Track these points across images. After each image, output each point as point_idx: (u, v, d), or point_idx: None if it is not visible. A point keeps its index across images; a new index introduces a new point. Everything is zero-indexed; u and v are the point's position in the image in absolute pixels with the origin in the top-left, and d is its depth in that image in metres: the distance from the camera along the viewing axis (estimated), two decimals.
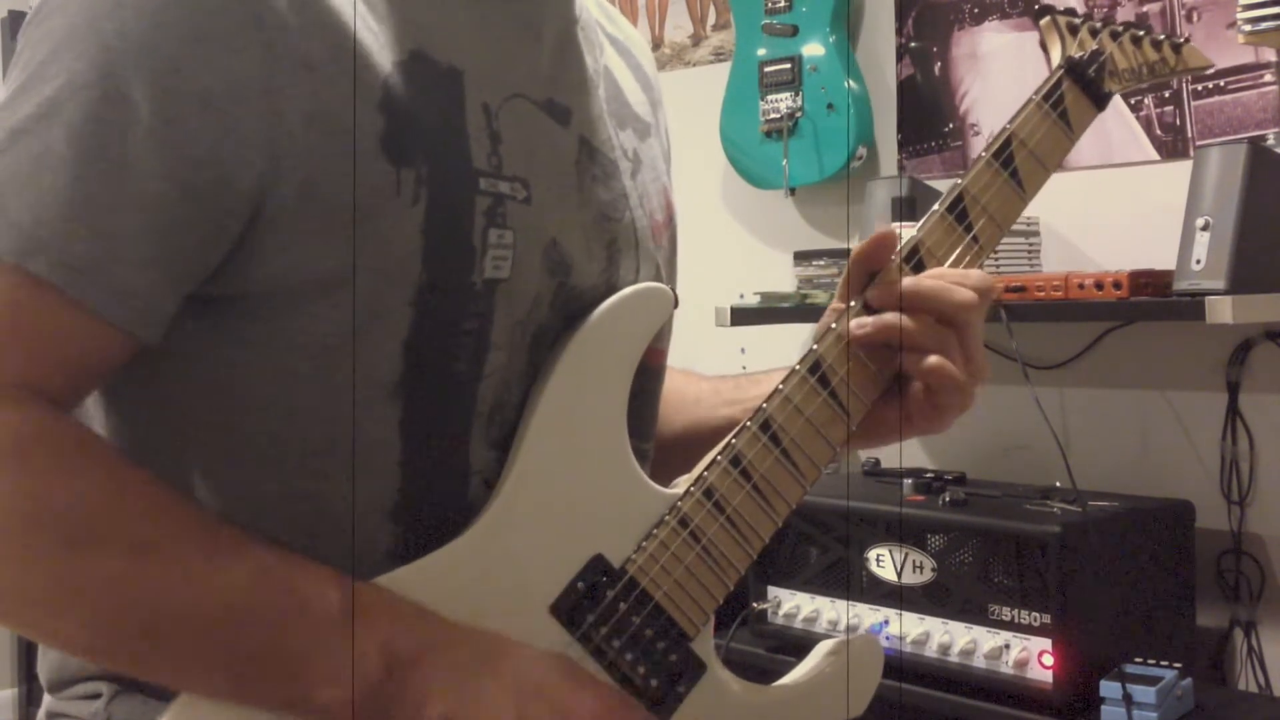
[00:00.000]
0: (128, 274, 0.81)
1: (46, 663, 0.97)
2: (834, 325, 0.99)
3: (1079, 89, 1.08)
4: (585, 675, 0.89)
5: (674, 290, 1.14)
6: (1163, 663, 1.89)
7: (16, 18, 3.08)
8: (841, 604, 2.13)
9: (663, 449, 1.07)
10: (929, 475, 2.25)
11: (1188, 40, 1.17)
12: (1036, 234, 2.29)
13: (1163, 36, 1.14)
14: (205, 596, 0.81)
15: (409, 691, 0.83)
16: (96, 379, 0.86)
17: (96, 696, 0.93)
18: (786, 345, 2.65)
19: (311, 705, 0.82)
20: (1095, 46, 1.10)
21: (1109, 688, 1.85)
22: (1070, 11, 1.13)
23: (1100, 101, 1.09)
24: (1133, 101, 2.30)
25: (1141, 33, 1.13)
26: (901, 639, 2.04)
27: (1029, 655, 1.90)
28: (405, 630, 0.84)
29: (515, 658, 0.87)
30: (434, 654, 0.84)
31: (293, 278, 0.85)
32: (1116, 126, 2.31)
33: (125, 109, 0.80)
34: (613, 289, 0.98)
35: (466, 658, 0.85)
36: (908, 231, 1.04)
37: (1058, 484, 2.09)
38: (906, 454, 2.55)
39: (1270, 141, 2.12)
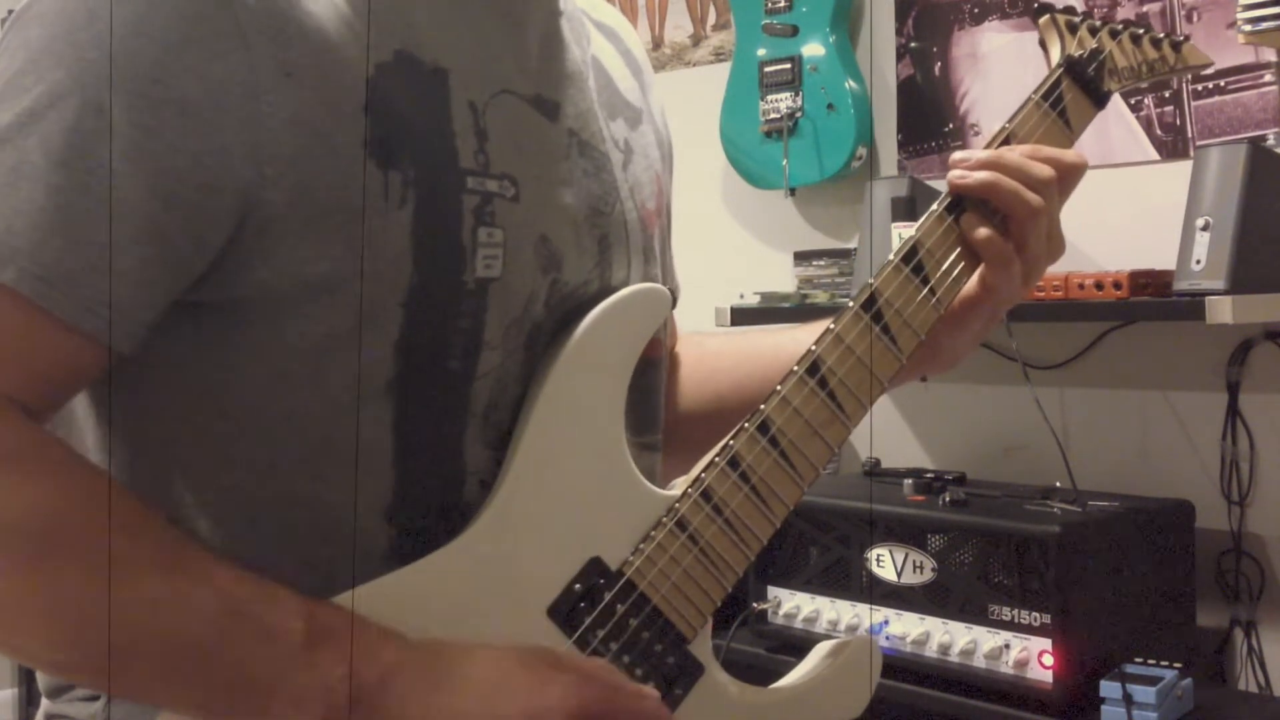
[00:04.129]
0: (103, 285, 0.80)
1: None
2: (832, 325, 0.99)
3: (1078, 88, 1.08)
4: (555, 664, 0.87)
5: (671, 277, 1.14)
6: (1163, 663, 1.89)
7: None
8: (841, 604, 2.13)
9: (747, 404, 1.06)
10: (929, 475, 2.25)
11: (1187, 39, 1.16)
12: None
13: (1162, 35, 1.14)
14: (167, 623, 0.80)
15: (381, 718, 0.82)
16: (71, 389, 0.86)
17: (95, 699, 0.92)
18: None
19: None
20: (1094, 45, 1.10)
21: (1109, 688, 1.85)
22: (1069, 10, 1.13)
23: (1100, 100, 1.09)
24: (1133, 101, 2.30)
25: (1141, 31, 1.13)
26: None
27: (1029, 655, 1.90)
28: (371, 656, 0.83)
29: (482, 664, 0.85)
30: (401, 677, 0.83)
31: (284, 282, 0.84)
32: (1116, 126, 2.31)
33: (103, 119, 0.79)
34: (605, 284, 0.97)
35: (433, 675, 0.84)
36: (906, 231, 1.04)
37: (1058, 484, 2.09)
38: (906, 454, 2.55)
39: (1270, 141, 2.12)
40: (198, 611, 0.81)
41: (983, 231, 1.02)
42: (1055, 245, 1.05)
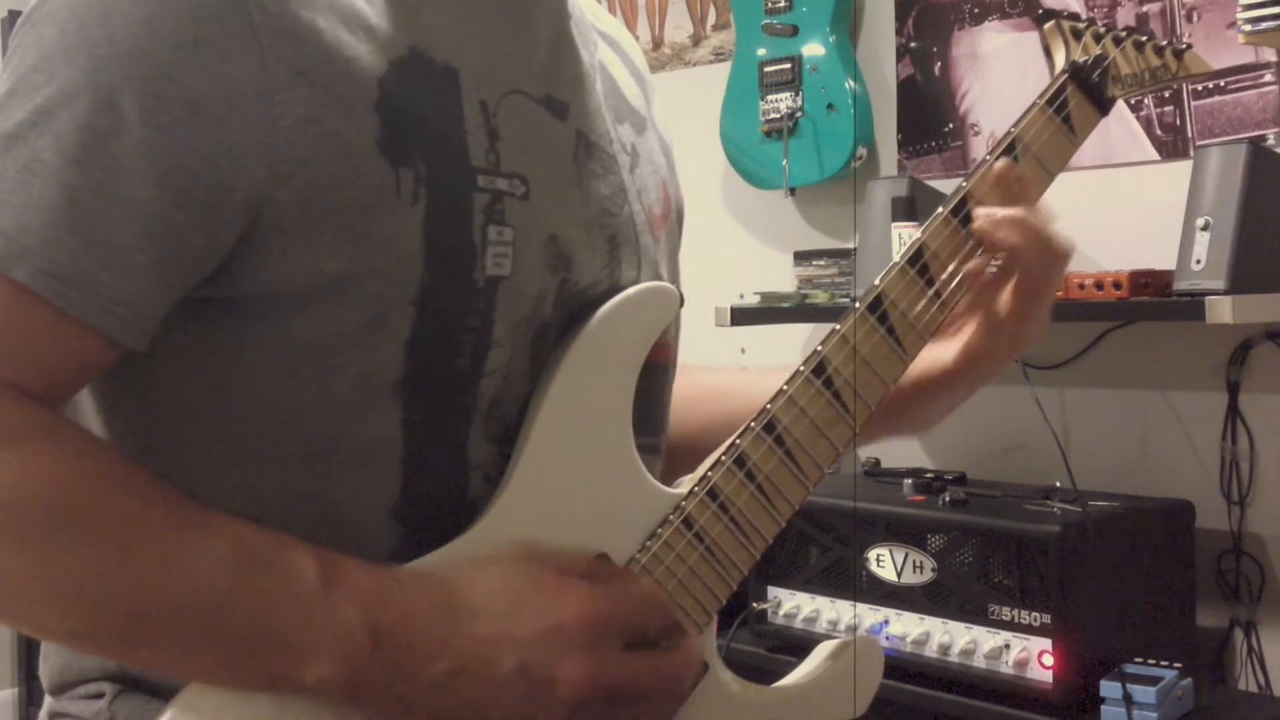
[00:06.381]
0: (114, 282, 0.80)
1: (48, 666, 0.96)
2: (838, 327, 0.99)
3: (1082, 93, 1.09)
4: (564, 572, 0.88)
5: (676, 284, 1.14)
6: (1163, 663, 1.90)
7: (17, 17, 3.08)
8: (841, 604, 2.13)
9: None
10: (929, 475, 2.25)
11: (1190, 46, 1.17)
12: None
13: (1165, 43, 1.15)
14: (184, 578, 0.81)
15: (404, 658, 0.83)
16: (79, 384, 0.86)
17: (99, 696, 0.92)
18: (786, 345, 2.65)
19: (303, 684, 0.82)
20: (1099, 52, 1.10)
21: (1109, 688, 1.85)
22: (1073, 16, 1.13)
23: (1103, 106, 1.10)
24: (1133, 102, 2.30)
25: (1144, 38, 1.14)
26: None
27: (1029, 655, 1.90)
28: (384, 597, 0.83)
29: (492, 586, 0.86)
30: (418, 617, 0.84)
31: (294, 280, 0.84)
32: (1117, 127, 2.32)
33: (115, 117, 0.80)
34: (615, 284, 0.98)
35: (449, 609, 0.84)
36: (910, 233, 1.04)
37: (1058, 484, 2.09)
38: (906, 454, 2.55)
39: (1270, 141, 2.12)
40: (212, 565, 0.82)
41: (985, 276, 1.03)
42: (1043, 324, 1.08)
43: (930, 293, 1.02)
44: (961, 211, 1.04)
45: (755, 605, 2.21)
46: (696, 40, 3.02)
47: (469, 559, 0.87)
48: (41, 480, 0.80)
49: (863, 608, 2.10)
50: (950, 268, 1.02)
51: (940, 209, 1.04)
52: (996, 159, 1.05)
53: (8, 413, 0.80)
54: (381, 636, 0.82)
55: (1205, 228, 1.96)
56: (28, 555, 0.80)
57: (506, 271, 0.90)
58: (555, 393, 0.92)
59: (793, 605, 2.18)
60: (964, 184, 1.05)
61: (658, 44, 3.07)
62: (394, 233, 0.85)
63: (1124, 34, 1.12)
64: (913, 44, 2.61)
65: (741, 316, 2.53)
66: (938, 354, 1.07)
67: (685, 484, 0.95)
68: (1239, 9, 2.03)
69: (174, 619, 0.81)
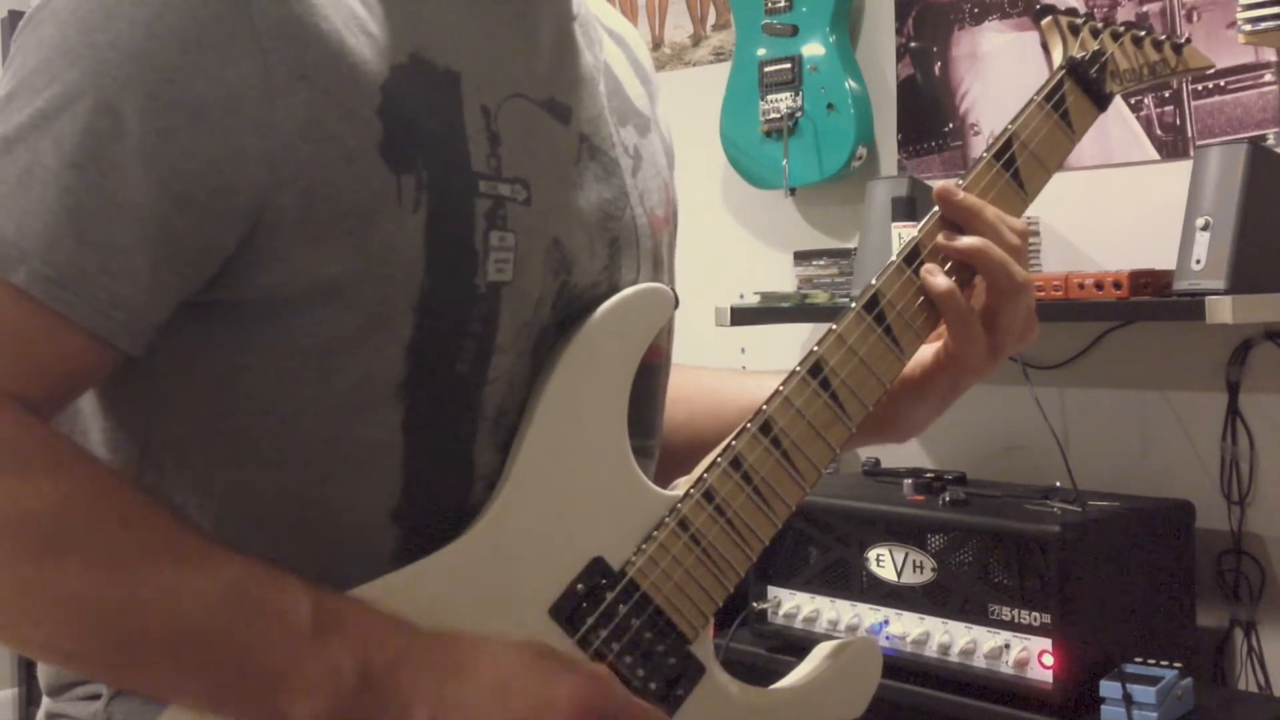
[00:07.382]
0: (113, 285, 0.80)
1: (45, 667, 0.96)
2: (834, 327, 0.99)
3: (1080, 89, 1.08)
4: (563, 661, 0.88)
5: (673, 286, 1.14)
6: (1163, 663, 1.89)
7: (17, 18, 3.09)
8: (841, 604, 2.13)
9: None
10: (929, 475, 2.25)
11: (1188, 41, 1.16)
12: (1037, 234, 2.30)
13: (1164, 37, 1.14)
14: (177, 610, 0.81)
15: (388, 704, 0.82)
16: (78, 389, 0.86)
17: (96, 698, 0.92)
18: (786, 345, 2.65)
19: (290, 718, 0.82)
20: (1097, 47, 1.10)
21: (1109, 688, 1.85)
22: (1071, 11, 1.13)
23: (1102, 102, 1.09)
24: (1133, 101, 2.30)
25: (1143, 33, 1.13)
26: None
27: (1029, 655, 1.90)
28: (380, 642, 0.83)
29: (492, 656, 0.86)
30: (410, 663, 0.83)
31: (295, 284, 0.84)
32: (1116, 126, 2.31)
33: (116, 120, 0.79)
34: (613, 287, 0.97)
35: (443, 663, 0.84)
36: (908, 232, 1.04)
37: (1058, 484, 2.09)
38: (906, 454, 2.55)
39: (1270, 141, 2.12)
40: (204, 598, 0.81)
41: (943, 284, 1.00)
42: (1030, 325, 1.04)
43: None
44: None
45: (755, 605, 2.21)
46: (696, 40, 3.02)
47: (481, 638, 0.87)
48: (38, 499, 0.80)
49: (863, 607, 2.10)
50: (947, 266, 1.02)
51: (937, 208, 1.04)
52: (993, 155, 1.05)
53: (11, 431, 0.80)
54: (370, 678, 0.82)
55: (1205, 228, 1.96)
56: (20, 574, 0.79)
57: (508, 277, 0.89)
58: (550, 395, 0.92)
59: (793, 605, 2.18)
60: (961, 182, 1.04)
61: (658, 44, 3.07)
62: (394, 239, 0.85)
63: (1122, 29, 1.12)
64: (913, 44, 2.61)
65: (741, 316, 2.53)
66: (919, 349, 1.06)
67: (681, 486, 0.95)
68: (1239, 9, 2.02)
69: (161, 651, 0.81)
